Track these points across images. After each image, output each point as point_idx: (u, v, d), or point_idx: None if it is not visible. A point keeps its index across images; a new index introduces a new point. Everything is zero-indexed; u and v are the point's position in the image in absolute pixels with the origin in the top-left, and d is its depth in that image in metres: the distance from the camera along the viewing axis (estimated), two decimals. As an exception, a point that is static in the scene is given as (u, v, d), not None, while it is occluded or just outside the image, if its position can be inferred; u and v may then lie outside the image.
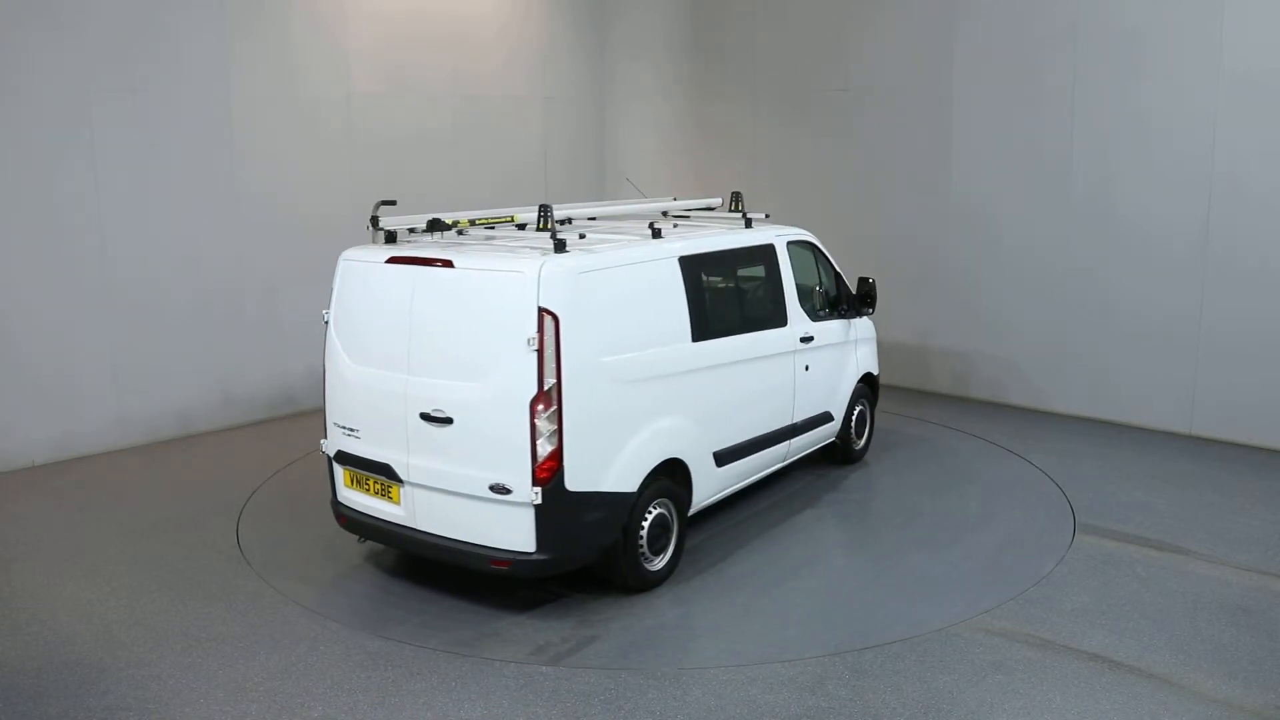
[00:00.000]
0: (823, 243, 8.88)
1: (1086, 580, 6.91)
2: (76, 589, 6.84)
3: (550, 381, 5.94)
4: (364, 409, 6.63)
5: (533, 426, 5.94)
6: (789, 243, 8.26)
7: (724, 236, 7.72)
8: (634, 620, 6.41)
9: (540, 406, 5.93)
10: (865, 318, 9.20)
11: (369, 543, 7.21)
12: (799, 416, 8.24)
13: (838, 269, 8.92)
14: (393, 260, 6.54)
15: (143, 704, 5.47)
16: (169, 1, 9.67)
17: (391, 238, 6.83)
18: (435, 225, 6.78)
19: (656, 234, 7.13)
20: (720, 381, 7.27)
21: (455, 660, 5.90)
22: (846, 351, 8.90)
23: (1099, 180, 10.29)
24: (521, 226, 7.38)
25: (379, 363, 6.54)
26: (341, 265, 6.88)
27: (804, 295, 8.33)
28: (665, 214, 8.75)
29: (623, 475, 6.38)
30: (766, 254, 8.02)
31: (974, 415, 10.83)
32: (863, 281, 8.95)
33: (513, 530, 6.10)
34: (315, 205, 10.77)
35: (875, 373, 9.42)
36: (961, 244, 11.35)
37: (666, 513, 6.80)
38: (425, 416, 6.26)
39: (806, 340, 8.22)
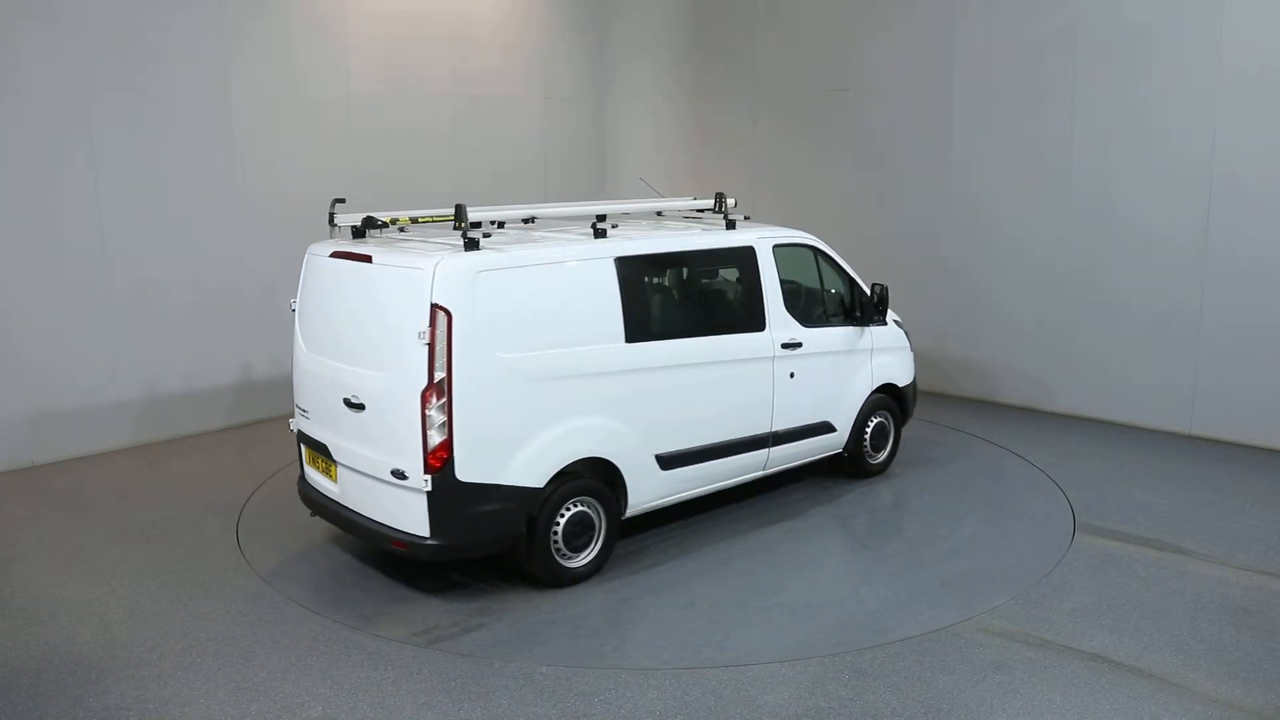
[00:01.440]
0: (826, 244, 8.62)
1: (1086, 580, 6.92)
2: (76, 589, 6.84)
3: (440, 374, 6.16)
4: (312, 392, 7.16)
5: (424, 416, 6.17)
6: (777, 245, 8.01)
7: (680, 238, 7.57)
8: (530, 614, 6.48)
9: (432, 397, 6.16)
10: (892, 326, 8.87)
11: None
12: (780, 425, 7.97)
13: (852, 274, 8.61)
14: (334, 254, 6.96)
15: (143, 704, 5.47)
16: (169, 1, 9.67)
17: (360, 233, 7.05)
18: (369, 223, 6.97)
19: (599, 234, 7.08)
20: (666, 384, 7.18)
21: (455, 660, 5.91)
22: (856, 360, 8.55)
23: (1099, 180, 10.29)
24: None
25: (321, 349, 7.07)
26: (305, 258, 7.32)
27: (794, 299, 8.12)
28: (660, 214, 8.63)
29: (526, 470, 6.49)
30: (742, 256, 7.79)
31: (974, 415, 10.83)
32: (872, 288, 8.64)
33: (410, 514, 6.37)
34: (315, 205, 10.66)
35: (902, 384, 8.97)
36: (962, 244, 11.36)
37: (591, 511, 6.87)
38: (346, 401, 6.67)
39: (791, 346, 7.93)
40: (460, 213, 6.55)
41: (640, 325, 7.04)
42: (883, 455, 8.98)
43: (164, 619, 6.42)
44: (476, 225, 7.04)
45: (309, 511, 7.36)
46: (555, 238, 7.16)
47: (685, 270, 7.74)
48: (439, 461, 6.20)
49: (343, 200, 7.23)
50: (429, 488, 6.20)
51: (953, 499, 8.46)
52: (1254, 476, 8.88)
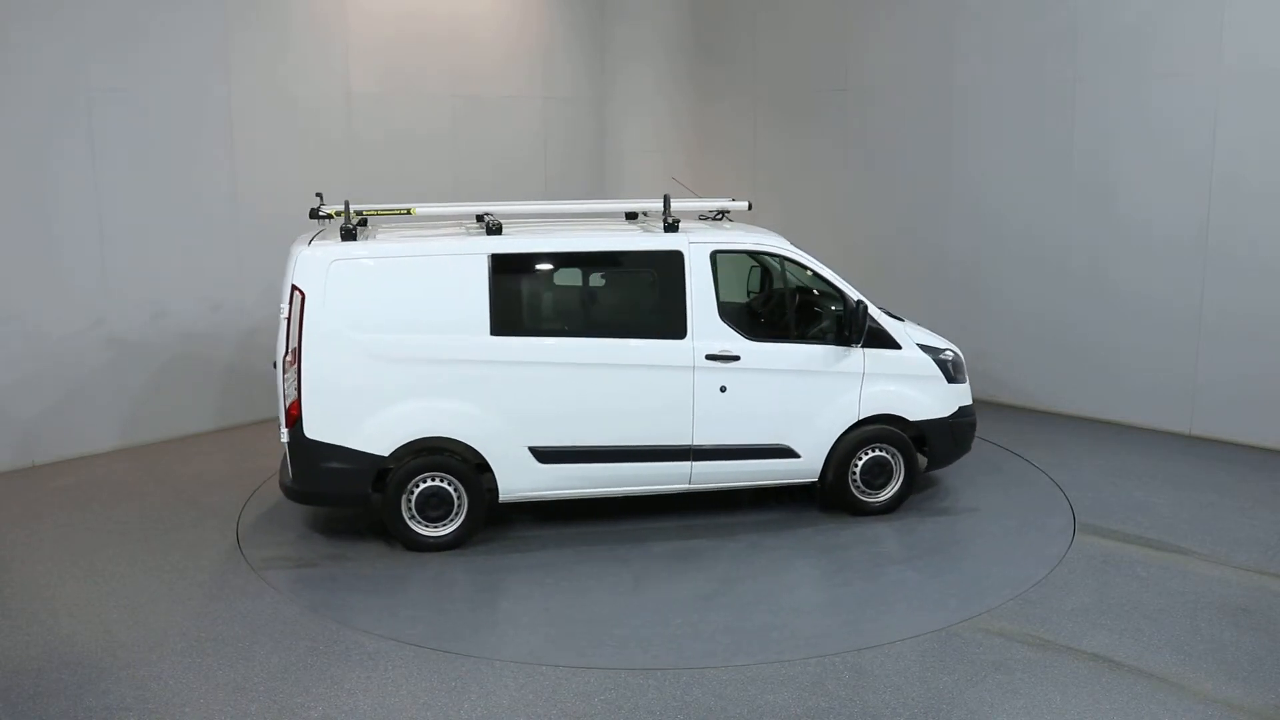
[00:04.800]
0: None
1: (1086, 580, 6.92)
2: (76, 589, 6.84)
3: (294, 344, 7.05)
4: None
5: (282, 379, 7.16)
6: (720, 251, 7.64)
7: (580, 238, 7.67)
8: (358, 567, 7.16)
9: (289, 363, 7.08)
10: (912, 351, 7.92)
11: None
12: (705, 440, 7.57)
13: (844, 289, 7.77)
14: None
15: (143, 704, 5.47)
16: (168, 1, 9.67)
17: (362, 222, 7.62)
18: (314, 214, 7.58)
19: (491, 231, 7.42)
20: (540, 378, 7.34)
21: (455, 660, 5.92)
22: (832, 383, 7.75)
23: (1100, 178, 10.28)
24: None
25: None
26: None
27: (738, 309, 7.92)
28: (645, 213, 8.40)
29: (371, 438, 7.21)
30: (663, 260, 7.54)
31: (974, 415, 10.82)
32: (856, 305, 7.69)
33: (287, 460, 7.39)
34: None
35: (916, 418, 7.93)
36: (962, 244, 11.36)
37: (450, 488, 7.35)
38: (274, 363, 7.52)
39: (721, 358, 7.50)
40: (346, 208, 7.36)
41: (511, 320, 7.37)
42: (884, 495, 8.02)
43: (164, 619, 6.42)
44: (486, 219, 7.65)
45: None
46: (445, 234, 7.63)
47: (583, 270, 7.70)
48: (292, 420, 7.12)
49: (319, 195, 7.88)
50: (287, 439, 7.18)
51: (952, 499, 8.45)
52: (1254, 476, 8.88)
